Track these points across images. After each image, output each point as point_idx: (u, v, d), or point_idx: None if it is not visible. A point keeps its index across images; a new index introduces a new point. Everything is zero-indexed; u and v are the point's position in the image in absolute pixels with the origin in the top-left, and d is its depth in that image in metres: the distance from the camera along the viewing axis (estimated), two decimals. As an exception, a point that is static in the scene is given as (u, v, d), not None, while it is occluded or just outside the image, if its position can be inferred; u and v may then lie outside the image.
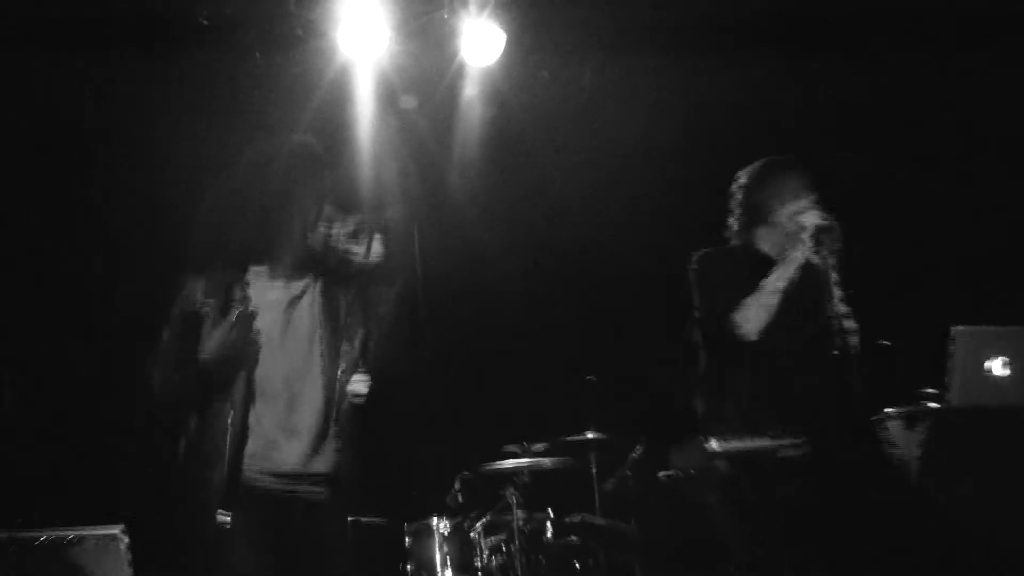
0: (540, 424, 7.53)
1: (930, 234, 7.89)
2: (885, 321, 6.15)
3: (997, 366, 5.32)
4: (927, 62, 7.43)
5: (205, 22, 6.67)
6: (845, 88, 7.72)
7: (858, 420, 4.99)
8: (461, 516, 7.19)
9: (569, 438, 7.46)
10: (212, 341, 4.17)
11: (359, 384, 4.33)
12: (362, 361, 4.38)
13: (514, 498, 7.03)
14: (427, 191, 7.83)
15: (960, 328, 5.30)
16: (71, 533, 6.17)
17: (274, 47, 6.88)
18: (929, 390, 5.51)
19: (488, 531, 7.22)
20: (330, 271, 4.40)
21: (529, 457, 7.23)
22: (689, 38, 7.37)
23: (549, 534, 7.26)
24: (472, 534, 7.14)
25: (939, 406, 5.38)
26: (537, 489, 7.25)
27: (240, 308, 4.18)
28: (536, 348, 8.48)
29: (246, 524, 4.20)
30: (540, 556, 7.16)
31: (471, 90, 7.39)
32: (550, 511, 7.33)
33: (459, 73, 7.30)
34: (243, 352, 4.20)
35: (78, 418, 7.52)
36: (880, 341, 6.24)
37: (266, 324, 4.31)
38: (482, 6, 6.97)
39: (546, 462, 7.21)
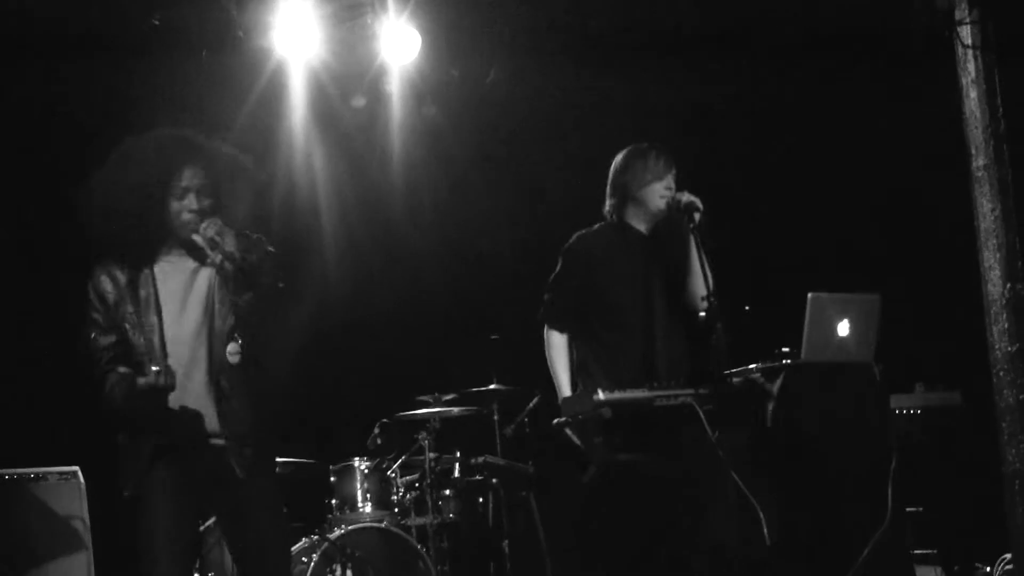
0: (449, 377, 7.69)
1: (792, 216, 8.27)
2: (750, 290, 6.79)
3: (843, 327, 5.71)
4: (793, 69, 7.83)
5: (157, 22, 6.83)
6: (730, 86, 8.02)
7: (719, 374, 5.24)
8: (380, 457, 7.32)
9: (475, 389, 7.62)
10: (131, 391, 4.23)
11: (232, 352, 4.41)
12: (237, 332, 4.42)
13: (426, 442, 7.18)
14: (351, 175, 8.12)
15: (813, 295, 5.66)
16: (33, 472, 6.52)
17: (217, 47, 6.98)
18: (785, 349, 5.85)
19: (403, 470, 7.39)
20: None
21: (440, 406, 7.36)
22: (590, 40, 7.63)
23: (457, 473, 7.53)
24: (389, 473, 7.32)
25: (793, 361, 5.75)
26: (446, 434, 7.41)
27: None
28: (445, 312, 8.69)
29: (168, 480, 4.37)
30: (448, 492, 7.41)
31: (390, 86, 7.52)
32: (458, 453, 7.56)
33: (380, 71, 7.43)
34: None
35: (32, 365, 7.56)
36: (745, 307, 6.91)
37: (169, 291, 4.45)
38: (400, 10, 7.11)
39: (454, 410, 7.38)
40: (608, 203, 5.65)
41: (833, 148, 8.24)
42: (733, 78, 7.98)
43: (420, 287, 8.62)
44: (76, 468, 6.77)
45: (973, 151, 6.59)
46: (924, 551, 6.74)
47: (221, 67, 7.13)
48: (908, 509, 6.16)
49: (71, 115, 7.39)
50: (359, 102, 7.74)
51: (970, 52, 6.62)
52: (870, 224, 8.21)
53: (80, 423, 7.21)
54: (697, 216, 5.32)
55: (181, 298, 4.48)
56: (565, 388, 5.56)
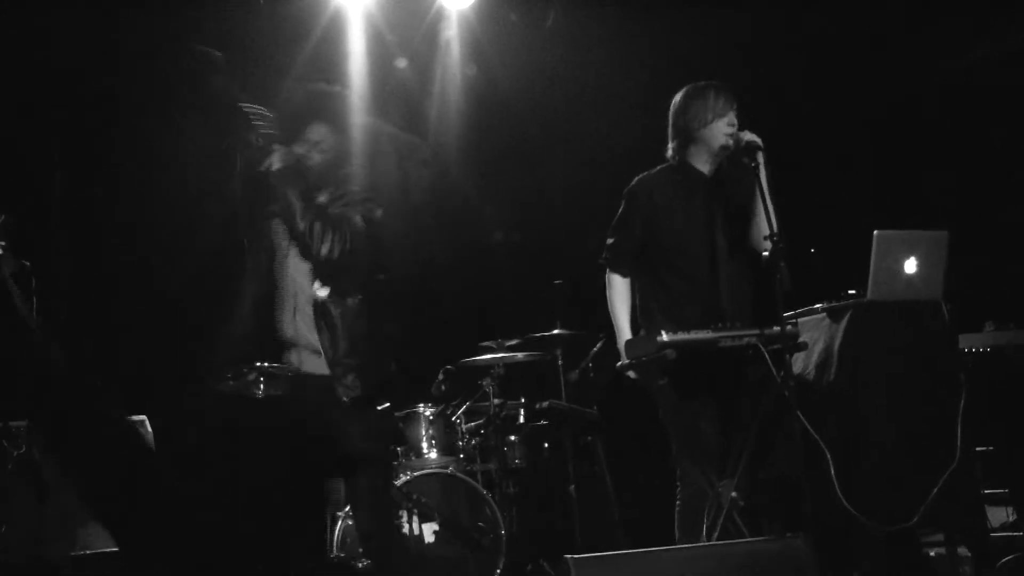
0: (513, 323, 7.68)
1: (858, 154, 8.21)
2: (816, 230, 6.67)
3: (910, 265, 5.60)
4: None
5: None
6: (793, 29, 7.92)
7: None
8: (444, 404, 7.34)
9: (539, 335, 7.53)
10: None
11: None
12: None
13: (491, 388, 7.20)
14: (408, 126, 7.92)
15: (880, 232, 5.55)
16: (100, 421, 6.86)
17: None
18: (852, 291, 5.74)
19: (468, 416, 7.42)
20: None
21: (504, 352, 7.34)
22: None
23: (521, 418, 7.51)
24: (454, 419, 7.34)
25: (860, 300, 5.64)
26: (511, 379, 7.42)
27: None
28: (508, 257, 8.70)
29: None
30: (514, 438, 7.40)
31: (448, 32, 7.51)
32: (522, 399, 7.56)
33: (438, 16, 7.44)
34: None
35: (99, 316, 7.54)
36: (810, 249, 6.79)
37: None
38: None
39: (519, 355, 7.34)
40: (670, 145, 5.55)
41: (900, 85, 8.09)
42: (795, 17, 7.87)
43: (482, 233, 8.63)
44: (143, 417, 6.76)
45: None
46: (995, 491, 6.59)
47: (279, 14, 7.11)
48: (978, 448, 5.99)
49: (126, 60, 7.33)
50: (402, 63, 7.78)
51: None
52: (938, 161, 8.01)
53: (145, 372, 7.30)
54: (760, 156, 5.25)
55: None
56: (625, 331, 5.49)
